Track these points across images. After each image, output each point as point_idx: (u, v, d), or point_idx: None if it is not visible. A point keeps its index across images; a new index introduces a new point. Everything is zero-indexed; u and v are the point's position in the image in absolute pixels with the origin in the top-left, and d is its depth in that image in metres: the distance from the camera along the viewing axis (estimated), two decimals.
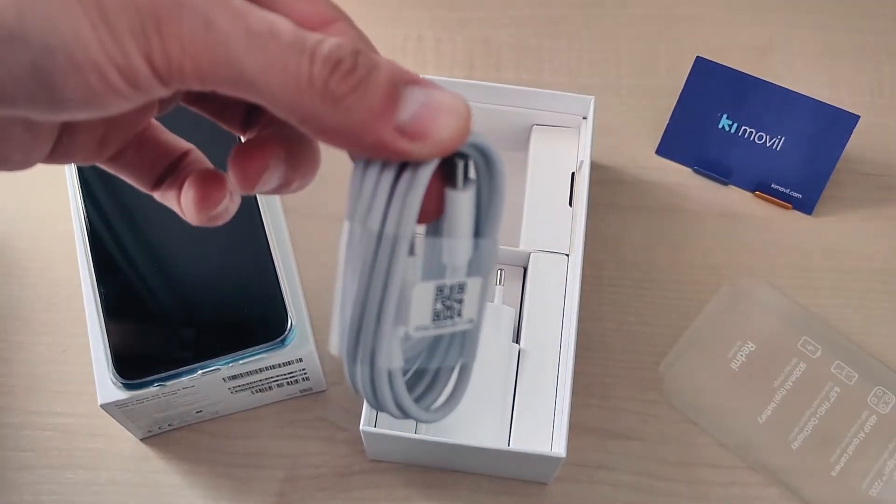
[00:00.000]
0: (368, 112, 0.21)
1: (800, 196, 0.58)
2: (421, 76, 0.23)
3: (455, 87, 0.54)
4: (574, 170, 0.55)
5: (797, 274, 0.56)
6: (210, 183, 0.28)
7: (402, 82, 0.22)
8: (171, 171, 0.29)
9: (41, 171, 0.60)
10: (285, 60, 0.21)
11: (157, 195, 0.29)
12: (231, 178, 0.25)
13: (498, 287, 0.52)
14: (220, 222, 0.28)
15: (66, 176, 0.49)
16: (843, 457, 0.50)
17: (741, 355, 0.52)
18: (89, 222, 0.48)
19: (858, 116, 0.56)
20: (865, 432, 0.51)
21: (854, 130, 0.56)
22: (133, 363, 0.45)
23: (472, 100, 0.55)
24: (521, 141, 0.56)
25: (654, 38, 0.63)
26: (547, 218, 0.53)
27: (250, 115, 0.28)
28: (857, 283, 0.56)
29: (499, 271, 0.53)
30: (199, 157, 0.30)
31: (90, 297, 0.46)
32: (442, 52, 0.62)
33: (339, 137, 0.22)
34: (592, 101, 0.53)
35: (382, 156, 0.22)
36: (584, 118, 0.55)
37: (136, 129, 0.28)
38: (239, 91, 0.21)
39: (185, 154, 0.29)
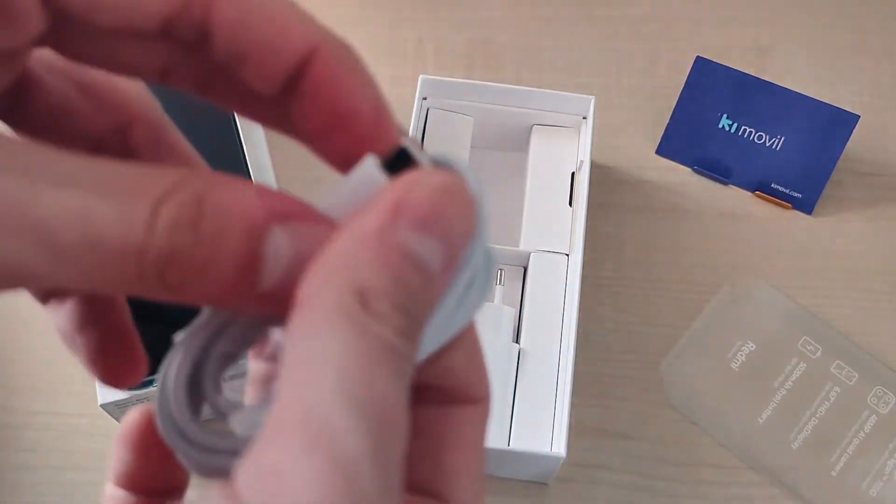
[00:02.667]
0: (216, 285, 0.17)
1: (800, 196, 0.58)
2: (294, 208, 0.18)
3: (455, 87, 0.54)
4: (574, 170, 0.55)
5: (797, 274, 0.56)
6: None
7: (262, 228, 0.17)
8: None
9: None
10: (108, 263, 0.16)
11: None
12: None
13: (498, 287, 0.52)
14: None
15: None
16: (843, 457, 0.50)
17: (741, 355, 0.52)
18: None
19: (858, 116, 0.56)
20: (865, 432, 0.51)
21: (854, 130, 0.56)
22: None
23: (473, 100, 0.55)
24: (522, 141, 0.56)
25: (654, 37, 0.63)
26: (547, 218, 0.53)
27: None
28: (856, 282, 0.56)
29: (499, 271, 0.53)
30: None
31: None
32: (442, 53, 0.62)
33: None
34: (592, 101, 0.53)
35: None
36: (584, 118, 0.55)
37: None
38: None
39: None
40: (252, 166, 0.50)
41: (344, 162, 0.20)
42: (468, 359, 0.21)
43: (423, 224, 0.17)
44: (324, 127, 0.19)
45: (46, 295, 0.24)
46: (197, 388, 0.20)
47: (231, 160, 0.50)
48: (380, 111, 0.19)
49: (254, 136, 0.51)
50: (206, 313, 0.20)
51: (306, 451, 0.15)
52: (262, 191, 0.17)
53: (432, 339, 0.19)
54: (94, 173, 0.16)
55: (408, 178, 0.18)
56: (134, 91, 0.23)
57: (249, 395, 0.22)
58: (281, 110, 0.20)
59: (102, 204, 0.16)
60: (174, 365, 0.20)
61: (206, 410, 0.20)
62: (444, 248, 0.17)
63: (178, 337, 0.20)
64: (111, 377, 0.24)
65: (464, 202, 0.18)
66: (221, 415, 0.19)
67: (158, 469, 0.23)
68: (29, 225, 0.16)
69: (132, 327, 0.25)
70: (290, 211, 0.17)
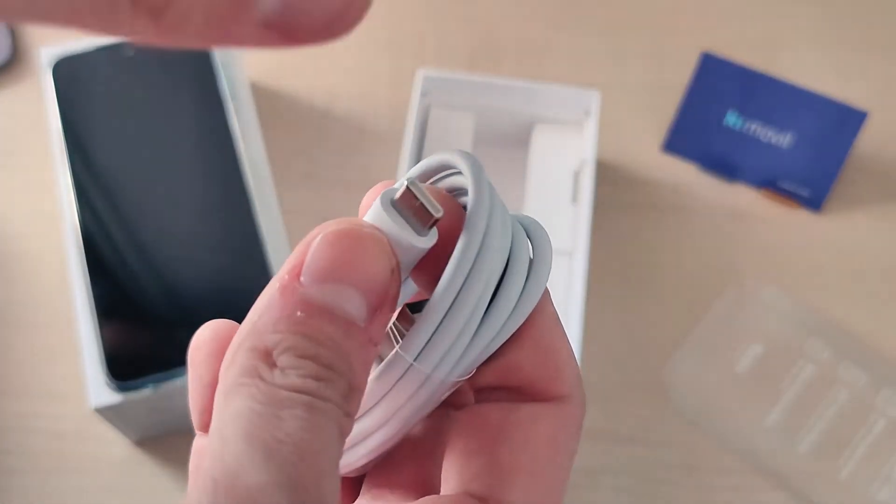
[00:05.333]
0: (212, 19, 0.14)
1: (808, 194, 0.57)
2: None
3: (456, 82, 0.54)
4: (577, 167, 0.54)
5: (804, 274, 0.56)
6: None
7: None
8: None
9: (30, 171, 0.59)
10: None
11: None
12: None
13: None
14: None
15: (58, 175, 0.49)
16: (850, 460, 0.50)
17: (747, 357, 0.52)
18: (83, 222, 0.47)
19: (867, 113, 0.56)
20: (873, 435, 0.51)
21: (864, 127, 0.56)
22: (126, 364, 0.45)
23: (473, 95, 0.54)
24: (523, 137, 0.56)
25: (659, 32, 0.63)
26: (549, 216, 0.53)
27: None
28: (865, 283, 0.56)
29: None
30: None
31: (82, 298, 0.46)
32: (442, 47, 0.62)
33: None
34: (597, 96, 0.53)
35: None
36: (588, 114, 0.54)
37: None
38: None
39: None
40: (247, 160, 0.49)
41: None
42: (537, 354, 0.20)
43: (324, 275, 0.18)
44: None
45: None
46: None
47: (226, 154, 0.49)
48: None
49: (249, 132, 0.51)
50: None
51: (210, 489, 0.17)
52: None
53: (479, 343, 0.19)
54: None
55: (312, 232, 0.18)
56: None
57: None
58: None
59: None
60: None
61: None
62: (358, 292, 0.18)
63: None
64: None
65: (367, 243, 0.18)
66: None
67: None
68: None
69: None
70: None
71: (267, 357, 0.18)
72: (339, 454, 0.18)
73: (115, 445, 0.50)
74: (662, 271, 0.56)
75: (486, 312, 0.19)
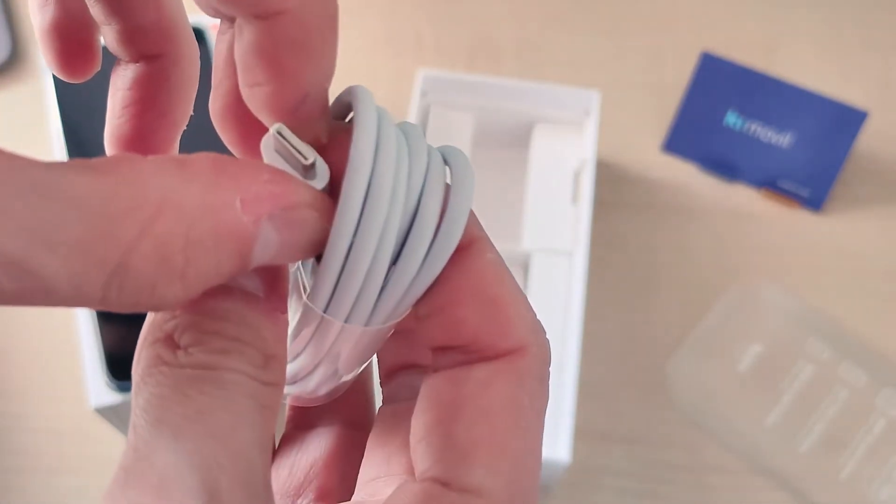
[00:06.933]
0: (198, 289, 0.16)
1: (808, 194, 0.57)
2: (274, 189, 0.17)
3: (456, 82, 0.54)
4: (577, 167, 0.54)
5: (805, 273, 0.56)
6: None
7: (251, 242, 0.17)
8: None
9: None
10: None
11: None
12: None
13: None
14: None
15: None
16: (850, 460, 0.50)
17: (748, 357, 0.52)
18: None
19: (867, 113, 0.55)
20: (874, 435, 0.50)
21: (864, 127, 0.56)
22: (126, 364, 0.44)
23: (473, 95, 0.54)
24: (523, 137, 0.56)
25: (659, 32, 0.63)
26: (549, 216, 0.53)
27: None
28: (866, 282, 0.56)
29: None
30: None
31: None
32: (442, 47, 0.62)
33: None
34: (597, 96, 0.53)
35: None
36: (588, 114, 0.54)
37: None
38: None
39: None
40: None
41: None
42: (480, 306, 0.18)
43: None
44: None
45: None
46: None
47: (225, 154, 0.49)
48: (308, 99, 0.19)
49: None
50: None
51: (122, 479, 0.16)
52: (245, 191, 0.16)
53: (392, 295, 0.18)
54: (34, 200, 0.14)
55: None
56: None
57: None
58: None
59: (43, 250, 0.14)
60: None
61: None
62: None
63: None
64: (63, 62, 0.24)
65: None
66: None
67: None
68: None
69: (92, 20, 0.23)
70: (276, 204, 0.17)
71: (168, 342, 0.17)
72: (264, 425, 0.17)
73: (115, 445, 0.50)
74: (662, 271, 0.56)
75: (400, 251, 0.18)
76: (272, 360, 0.18)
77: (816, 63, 0.62)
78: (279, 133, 0.18)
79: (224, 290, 0.17)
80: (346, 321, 0.18)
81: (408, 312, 0.19)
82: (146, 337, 0.18)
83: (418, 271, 0.18)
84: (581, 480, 0.50)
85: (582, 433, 0.51)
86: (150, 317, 0.18)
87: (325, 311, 0.18)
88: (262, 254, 0.17)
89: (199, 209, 0.16)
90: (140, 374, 0.17)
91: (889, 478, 0.49)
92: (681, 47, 0.62)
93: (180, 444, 0.16)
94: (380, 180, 0.18)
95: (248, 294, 0.18)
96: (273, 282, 0.18)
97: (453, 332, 0.18)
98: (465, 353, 0.18)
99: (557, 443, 0.47)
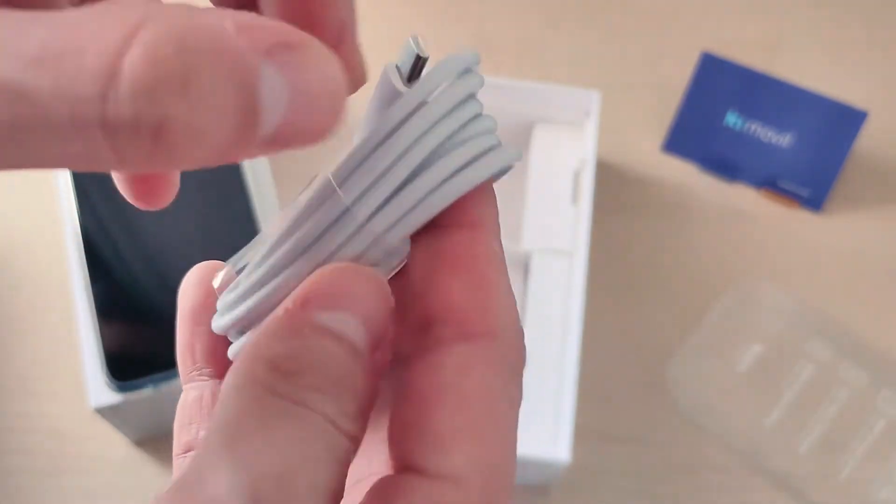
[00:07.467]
0: (212, 148, 0.15)
1: (808, 194, 0.57)
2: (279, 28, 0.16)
3: None
4: (577, 167, 0.54)
5: (805, 274, 0.56)
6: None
7: (255, 74, 0.15)
8: None
9: (28, 174, 0.59)
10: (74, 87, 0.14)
11: None
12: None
13: None
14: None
15: (58, 175, 0.49)
16: (850, 460, 0.50)
17: (748, 357, 0.52)
18: (83, 221, 0.47)
19: (867, 113, 0.55)
20: (874, 435, 0.50)
21: (864, 127, 0.56)
22: (126, 364, 0.45)
23: None
24: (523, 137, 0.56)
25: (659, 32, 0.63)
26: (549, 216, 0.53)
27: None
28: (866, 282, 0.56)
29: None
30: None
31: (82, 298, 0.46)
32: (441, 47, 0.61)
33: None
34: (597, 96, 0.53)
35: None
36: (588, 114, 0.54)
37: None
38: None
39: None
40: (247, 160, 0.49)
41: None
42: (468, 282, 0.18)
43: (328, 302, 0.18)
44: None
45: None
46: None
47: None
48: (345, 30, 0.19)
49: None
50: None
51: (175, 493, 0.16)
52: (237, 19, 0.15)
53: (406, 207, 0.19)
54: (20, 29, 0.14)
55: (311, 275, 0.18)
56: None
57: None
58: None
59: (33, 69, 0.13)
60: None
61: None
62: (360, 322, 0.18)
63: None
64: (140, 192, 0.23)
65: (368, 276, 0.18)
66: None
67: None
68: None
69: None
70: (273, 39, 0.15)
71: (269, 364, 0.17)
72: (333, 479, 0.16)
73: (115, 445, 0.50)
74: (662, 271, 0.55)
75: (424, 162, 0.19)
76: (362, 416, 0.17)
77: (816, 63, 0.62)
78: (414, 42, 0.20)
79: (335, 336, 0.17)
80: (352, 205, 0.19)
81: (402, 260, 0.20)
82: (246, 356, 0.17)
83: (432, 190, 0.19)
84: (581, 480, 0.50)
85: (582, 433, 0.50)
86: (253, 342, 0.18)
87: (340, 186, 0.19)
88: (272, 107, 0.15)
89: (189, 24, 0.14)
90: (228, 385, 0.17)
91: (889, 478, 0.49)
92: (681, 47, 0.62)
93: (236, 474, 0.16)
94: (442, 103, 0.19)
95: (353, 345, 0.18)
96: (376, 341, 0.18)
97: (438, 299, 0.18)
98: (445, 328, 0.18)
99: (557, 443, 0.47)
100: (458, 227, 0.19)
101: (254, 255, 0.21)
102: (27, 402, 0.51)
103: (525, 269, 0.53)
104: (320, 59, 0.16)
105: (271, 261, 0.20)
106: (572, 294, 0.50)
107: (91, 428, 0.50)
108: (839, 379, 0.52)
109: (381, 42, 0.62)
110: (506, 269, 0.19)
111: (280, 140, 0.16)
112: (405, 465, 0.18)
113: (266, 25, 0.15)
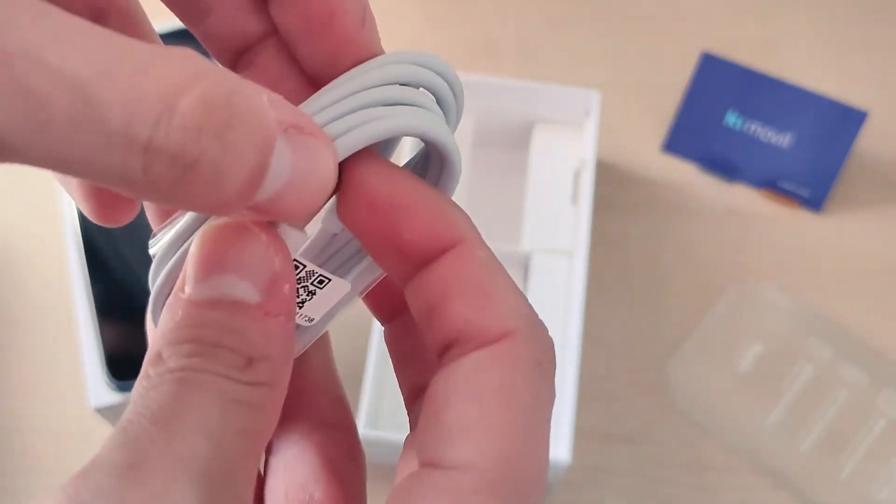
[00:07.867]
0: (221, 195, 0.16)
1: (808, 194, 0.57)
2: (294, 113, 0.18)
3: None
4: (577, 167, 0.54)
5: (805, 274, 0.56)
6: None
7: (272, 143, 0.16)
8: None
9: (30, 171, 0.59)
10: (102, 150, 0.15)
11: None
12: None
13: None
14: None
15: (56, 179, 0.49)
16: (851, 460, 0.50)
17: (748, 357, 0.52)
18: (83, 221, 0.47)
19: (867, 113, 0.55)
20: (874, 435, 0.50)
21: (864, 127, 0.56)
22: (126, 364, 0.45)
23: (473, 96, 0.54)
24: (523, 137, 0.56)
25: (659, 32, 0.63)
26: (549, 216, 0.53)
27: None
28: (866, 282, 0.55)
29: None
30: None
31: (82, 298, 0.46)
32: (441, 47, 0.62)
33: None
34: (597, 96, 0.53)
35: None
36: (588, 114, 0.54)
37: None
38: None
39: None
40: None
41: (329, 65, 0.21)
42: (467, 294, 0.19)
43: (200, 274, 0.18)
44: (302, 28, 0.20)
45: None
46: None
47: None
48: (359, 18, 0.21)
49: None
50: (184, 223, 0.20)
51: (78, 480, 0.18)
52: (270, 95, 0.17)
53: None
54: (100, 42, 0.15)
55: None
56: None
57: None
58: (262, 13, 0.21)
59: (104, 79, 0.15)
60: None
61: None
62: (239, 277, 0.18)
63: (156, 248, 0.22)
64: (103, 211, 0.24)
65: (231, 230, 0.19)
66: None
67: None
68: (16, 85, 0.14)
69: None
70: (292, 121, 0.17)
71: (156, 358, 0.18)
72: (231, 420, 0.17)
73: None
74: (663, 271, 0.55)
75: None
76: (258, 361, 0.18)
77: (816, 63, 0.62)
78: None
79: (210, 304, 0.18)
80: None
81: (370, 282, 0.21)
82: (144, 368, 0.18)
83: (344, 132, 0.19)
84: (581, 480, 0.50)
85: (582, 433, 0.50)
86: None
87: None
88: (275, 175, 0.17)
89: (236, 86, 0.16)
90: (133, 393, 0.18)
91: (889, 478, 0.49)
92: (681, 47, 0.62)
93: (120, 445, 0.17)
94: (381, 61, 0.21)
95: (235, 303, 0.18)
96: (270, 286, 0.19)
97: (447, 325, 0.19)
98: (461, 346, 0.19)
99: (557, 443, 0.47)
100: (439, 255, 0.19)
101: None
102: (27, 402, 0.51)
103: (525, 269, 0.53)
104: (322, 151, 0.17)
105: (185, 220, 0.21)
106: (572, 294, 0.50)
107: (91, 428, 0.50)
108: (839, 379, 0.51)
109: (381, 42, 0.62)
110: (502, 268, 0.19)
111: (270, 208, 0.17)
112: (423, 461, 0.18)
113: (289, 108, 0.17)
